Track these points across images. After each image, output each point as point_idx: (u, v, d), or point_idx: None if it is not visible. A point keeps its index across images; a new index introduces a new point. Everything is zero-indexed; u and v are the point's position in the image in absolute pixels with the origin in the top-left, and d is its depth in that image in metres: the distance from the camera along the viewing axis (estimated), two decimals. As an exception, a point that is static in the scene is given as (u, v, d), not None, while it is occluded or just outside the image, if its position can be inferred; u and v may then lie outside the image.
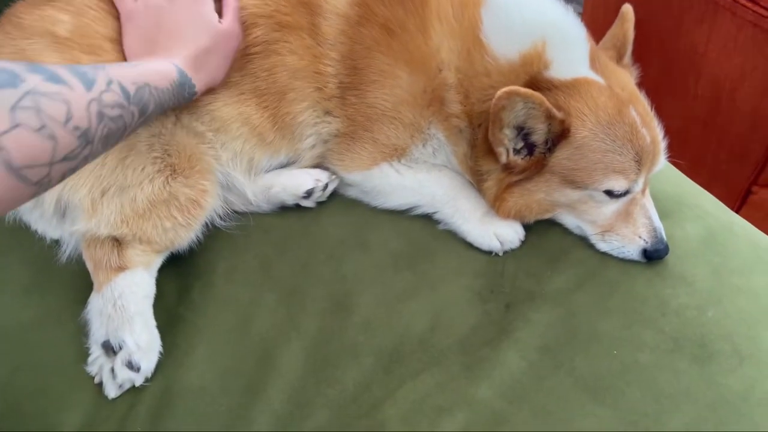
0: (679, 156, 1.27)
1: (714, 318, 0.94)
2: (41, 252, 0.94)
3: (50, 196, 0.87)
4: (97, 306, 0.88)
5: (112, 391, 0.83)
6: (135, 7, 0.88)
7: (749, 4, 1.55)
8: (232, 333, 0.89)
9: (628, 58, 1.03)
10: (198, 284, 0.94)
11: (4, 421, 0.80)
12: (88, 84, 0.63)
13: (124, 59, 0.88)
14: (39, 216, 0.91)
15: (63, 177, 0.61)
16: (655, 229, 0.97)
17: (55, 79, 0.59)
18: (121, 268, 0.90)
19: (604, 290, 0.97)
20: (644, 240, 0.97)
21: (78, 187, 0.86)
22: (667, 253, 0.98)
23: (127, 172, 0.87)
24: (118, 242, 0.90)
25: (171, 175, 0.90)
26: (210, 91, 0.92)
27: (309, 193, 1.01)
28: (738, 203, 1.88)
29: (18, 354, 0.85)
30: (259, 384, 0.85)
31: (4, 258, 0.94)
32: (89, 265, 0.92)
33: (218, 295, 0.93)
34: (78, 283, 0.91)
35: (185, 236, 0.93)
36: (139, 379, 0.84)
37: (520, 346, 0.91)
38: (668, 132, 1.22)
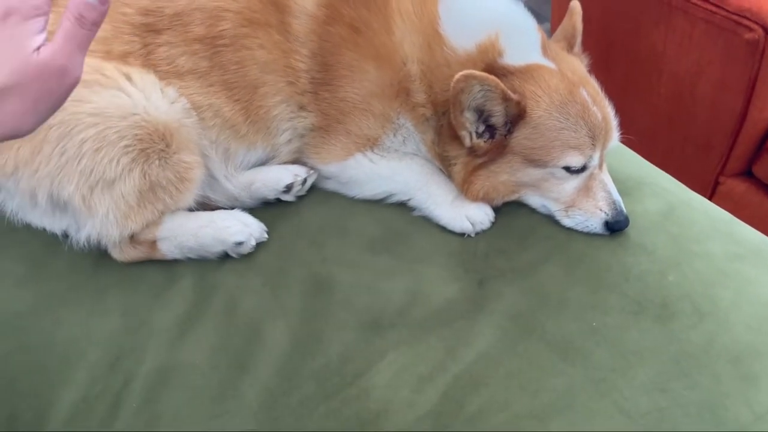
0: (648, 153, 1.34)
1: (674, 281, 1.00)
2: (34, 248, 0.99)
3: (41, 195, 0.93)
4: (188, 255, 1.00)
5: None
6: None
7: (700, 3, 1.65)
8: (220, 314, 0.94)
9: (578, 47, 1.10)
10: (188, 272, 1.00)
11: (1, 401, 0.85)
12: None
13: (101, 47, 0.90)
14: (41, 214, 0.97)
15: None
16: (614, 202, 1.03)
17: None
18: (155, 240, 0.99)
19: (570, 262, 1.03)
20: (605, 212, 1.03)
21: (64, 183, 0.91)
22: (627, 225, 1.04)
23: (106, 166, 0.91)
24: (132, 237, 0.98)
25: (146, 162, 0.94)
26: (181, 79, 0.96)
27: (288, 188, 1.07)
28: (708, 195, 1.95)
29: (12, 338, 0.89)
30: (248, 359, 0.89)
31: (0, 254, 0.99)
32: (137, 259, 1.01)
33: (206, 282, 0.99)
34: (71, 273, 0.97)
35: (184, 203, 1.01)
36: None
37: (493, 317, 0.96)
38: (636, 131, 1.30)
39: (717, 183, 1.91)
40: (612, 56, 2.00)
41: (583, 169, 1.01)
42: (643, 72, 1.94)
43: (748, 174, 1.86)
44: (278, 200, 1.10)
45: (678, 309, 0.96)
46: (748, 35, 1.55)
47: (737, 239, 1.10)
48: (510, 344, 0.93)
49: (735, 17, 1.57)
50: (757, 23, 1.53)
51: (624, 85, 2.07)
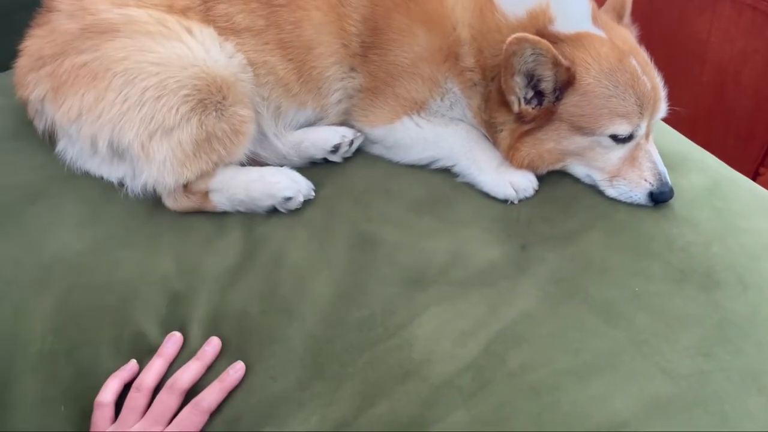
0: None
1: (718, 253, 1.00)
2: (93, 194, 1.03)
3: (102, 141, 0.96)
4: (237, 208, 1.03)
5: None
6: None
7: (747, -10, 1.63)
8: (269, 264, 0.96)
9: (627, 18, 1.11)
10: (237, 224, 1.03)
11: (63, 334, 0.88)
12: None
13: (164, 1, 0.96)
14: (99, 161, 1.01)
15: None
16: (660, 173, 1.03)
17: None
18: (208, 191, 1.02)
19: (613, 230, 1.03)
20: (650, 183, 1.03)
21: (125, 130, 0.95)
22: (672, 196, 1.04)
23: (166, 114, 0.94)
24: (186, 186, 1.01)
25: (203, 112, 0.96)
26: (238, 36, 1.00)
27: (336, 148, 1.10)
28: (748, 187, 1.92)
29: (74, 275, 0.93)
30: (294, 307, 0.92)
31: (59, 199, 1.03)
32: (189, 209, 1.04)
33: (255, 234, 1.01)
34: (127, 218, 1.00)
35: (237, 155, 1.03)
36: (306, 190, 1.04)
37: (536, 280, 0.97)
38: (677, 121, 1.29)
39: (757, 173, 1.88)
40: (654, 44, 1.98)
41: (629, 138, 1.02)
42: (685, 60, 1.93)
43: (790, 165, 1.84)
44: (325, 161, 1.12)
45: (722, 279, 0.96)
46: (797, 21, 1.54)
47: (784, 216, 1.09)
48: (552, 306, 0.93)
49: (784, 3, 1.56)
50: (807, 9, 1.51)
51: (665, 73, 2.05)
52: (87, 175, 1.06)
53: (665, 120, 1.30)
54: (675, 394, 0.83)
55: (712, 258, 0.99)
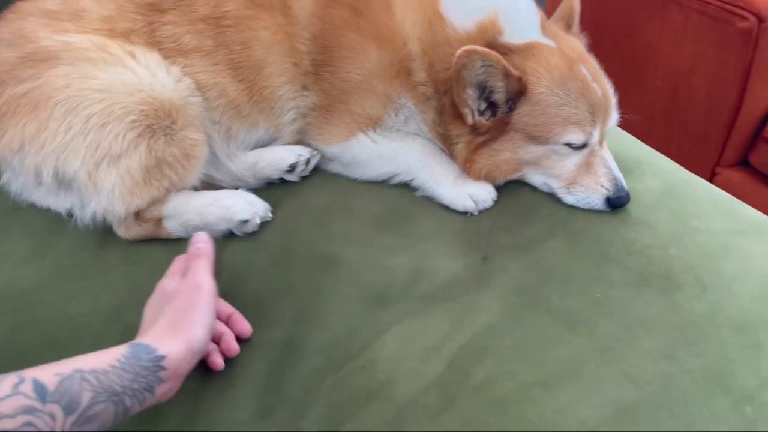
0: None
1: (676, 254, 1.01)
2: (39, 227, 1.00)
3: (47, 171, 0.93)
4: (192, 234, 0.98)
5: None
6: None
7: (694, -6, 1.68)
8: (226, 292, 0.94)
9: (576, 27, 1.12)
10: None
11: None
12: None
13: (105, 25, 0.96)
14: (45, 192, 0.98)
15: None
16: (615, 178, 1.04)
17: None
18: (161, 218, 1.00)
19: (573, 237, 1.04)
20: (606, 188, 1.04)
21: (70, 159, 0.92)
22: (628, 201, 1.05)
23: (112, 141, 0.92)
24: (137, 214, 0.98)
25: (152, 137, 0.94)
26: (186, 57, 0.99)
27: (292, 168, 1.08)
28: (705, 188, 1.96)
29: (21, 314, 0.89)
30: (255, 335, 0.89)
31: (5, 233, 0.99)
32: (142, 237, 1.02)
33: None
34: (76, 250, 0.97)
35: (190, 180, 1.01)
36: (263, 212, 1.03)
37: (498, 291, 0.97)
38: (634, 126, 1.32)
39: (714, 174, 1.92)
40: (607, 52, 2.02)
41: (584, 145, 1.03)
42: (638, 66, 1.97)
43: (744, 164, 1.88)
44: (282, 181, 1.11)
45: (681, 281, 0.97)
46: (741, 24, 1.58)
47: (738, 216, 1.11)
48: (515, 317, 0.93)
49: (728, 7, 1.60)
50: (750, 12, 1.56)
51: (619, 81, 2.09)
52: (33, 207, 1.03)
53: (621, 126, 1.33)
54: (640, 399, 0.83)
55: (671, 260, 1.00)
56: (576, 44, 1.07)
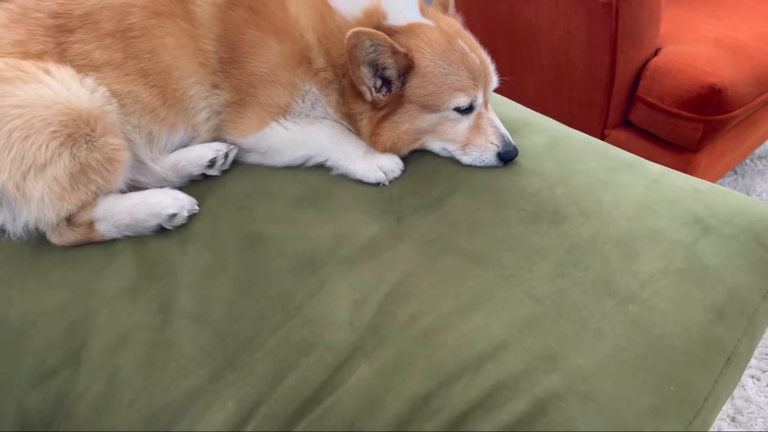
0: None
1: (562, 193, 1.16)
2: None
3: (-25, 189, 0.98)
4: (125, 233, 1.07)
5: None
6: None
7: (560, -24, 1.87)
8: (164, 279, 1.01)
9: (452, 9, 1.26)
10: (127, 248, 1.06)
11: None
12: None
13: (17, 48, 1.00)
14: None
15: None
16: (502, 135, 1.18)
17: None
18: (92, 221, 1.04)
19: (473, 191, 1.17)
20: (496, 145, 1.18)
21: None
22: (516, 154, 1.20)
23: (36, 152, 0.97)
24: (69, 220, 1.03)
25: (74, 145, 1.00)
26: (98, 71, 1.05)
27: (212, 163, 1.16)
28: (599, 150, 2.16)
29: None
30: (195, 312, 0.97)
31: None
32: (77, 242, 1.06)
33: (146, 254, 1.05)
34: (12, 260, 1.02)
35: (116, 183, 1.07)
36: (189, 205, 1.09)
37: (413, 245, 1.08)
38: (528, 102, 1.46)
39: (603, 136, 2.13)
40: (494, 38, 2.21)
41: (470, 108, 1.16)
42: (524, 47, 2.16)
43: (627, 123, 2.09)
44: (205, 176, 1.18)
45: (568, 213, 1.12)
46: (602, -1, 1.79)
47: (612, 157, 1.28)
48: (430, 262, 1.05)
49: (588, -16, 1.80)
50: (606, -14, 1.76)
51: (510, 63, 2.29)
52: (-36, 228, 1.06)
53: (517, 98, 1.47)
54: (542, 312, 0.96)
55: (558, 198, 1.15)
56: (452, 22, 1.20)
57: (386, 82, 1.12)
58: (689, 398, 0.89)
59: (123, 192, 1.11)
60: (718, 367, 0.94)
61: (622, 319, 0.96)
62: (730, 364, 0.96)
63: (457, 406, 0.86)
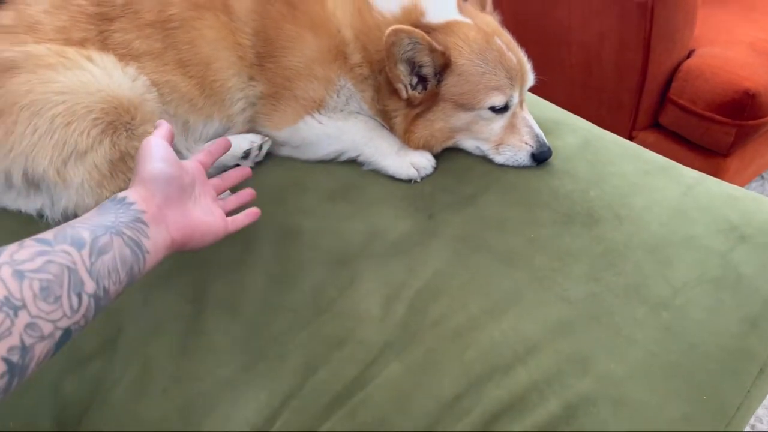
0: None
1: (595, 195, 1.15)
2: (14, 228, 1.05)
3: (16, 174, 0.99)
4: None
5: None
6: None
7: (593, -24, 1.85)
8: (198, 269, 1.02)
9: (489, 7, 1.26)
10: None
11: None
12: None
13: (60, 35, 1.02)
14: (15, 195, 1.03)
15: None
16: (537, 135, 1.18)
17: None
18: None
19: (506, 190, 1.17)
20: (530, 145, 1.17)
21: (38, 159, 0.98)
22: (551, 155, 1.19)
23: (77, 138, 0.98)
24: None
25: (114, 133, 1.01)
26: (138, 60, 1.07)
27: (247, 154, 1.17)
28: (626, 151, 2.14)
29: None
30: (230, 302, 0.98)
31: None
32: None
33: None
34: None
35: None
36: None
37: (444, 241, 1.08)
38: (556, 102, 1.46)
39: (632, 137, 2.11)
40: (524, 37, 2.20)
41: (506, 108, 1.16)
42: (554, 46, 2.14)
43: (656, 125, 2.07)
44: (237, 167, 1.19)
45: (601, 216, 1.11)
46: (637, -1, 1.76)
47: (645, 160, 1.26)
48: (461, 260, 1.05)
49: (624, -17, 1.78)
50: (643, -14, 1.74)
51: (539, 62, 2.27)
52: (4, 211, 1.08)
53: (546, 97, 1.47)
54: (574, 315, 0.96)
55: (591, 200, 1.14)
56: (490, 20, 1.20)
57: (422, 79, 1.12)
58: (721, 408, 0.89)
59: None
60: (751, 377, 0.93)
61: (655, 326, 0.95)
62: (763, 374, 0.95)
63: (487, 407, 0.86)
